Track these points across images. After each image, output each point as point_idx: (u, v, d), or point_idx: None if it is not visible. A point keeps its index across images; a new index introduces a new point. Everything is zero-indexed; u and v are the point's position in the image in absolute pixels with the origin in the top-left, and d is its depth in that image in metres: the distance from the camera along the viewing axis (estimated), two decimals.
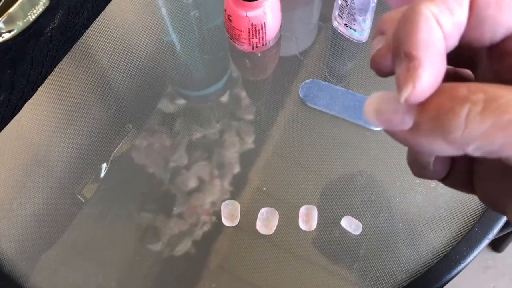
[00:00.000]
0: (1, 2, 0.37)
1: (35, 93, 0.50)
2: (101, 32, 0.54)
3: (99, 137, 0.50)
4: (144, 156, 0.49)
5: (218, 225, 0.45)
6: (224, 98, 0.51)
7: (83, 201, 0.47)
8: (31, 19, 0.39)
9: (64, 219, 0.47)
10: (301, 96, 0.50)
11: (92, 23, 0.53)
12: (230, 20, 0.48)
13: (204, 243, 0.45)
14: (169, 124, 0.50)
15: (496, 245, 1.05)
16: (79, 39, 0.52)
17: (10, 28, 0.38)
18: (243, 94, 0.51)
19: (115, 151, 0.49)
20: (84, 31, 0.52)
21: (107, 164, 0.49)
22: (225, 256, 0.44)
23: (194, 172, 0.48)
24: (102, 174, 0.48)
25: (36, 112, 0.51)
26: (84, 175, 0.48)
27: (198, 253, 0.45)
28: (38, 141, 0.50)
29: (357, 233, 0.44)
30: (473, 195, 0.45)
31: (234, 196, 0.46)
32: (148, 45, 0.54)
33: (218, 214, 0.46)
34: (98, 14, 0.53)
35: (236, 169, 0.48)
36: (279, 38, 0.53)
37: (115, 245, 0.46)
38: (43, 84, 0.51)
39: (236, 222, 0.45)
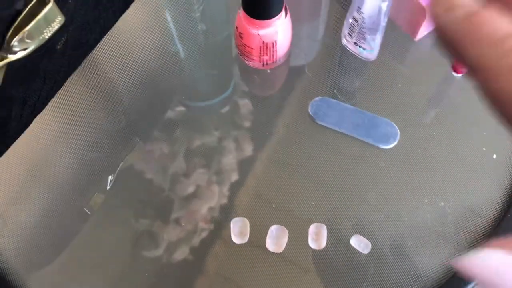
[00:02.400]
0: (17, 21, 0.37)
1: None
2: (110, 45, 0.54)
3: (105, 149, 0.50)
4: (146, 164, 0.49)
5: (216, 234, 0.45)
6: (229, 112, 0.52)
7: (89, 213, 0.47)
8: (46, 37, 0.39)
9: (69, 231, 0.47)
10: (310, 113, 0.50)
11: (103, 37, 0.53)
12: (241, 38, 0.49)
13: (203, 251, 0.45)
14: (169, 132, 0.50)
15: None
16: (90, 53, 0.52)
17: (25, 47, 0.38)
18: (250, 109, 0.52)
19: (122, 163, 0.49)
20: (95, 46, 0.52)
21: (113, 176, 0.49)
22: (234, 271, 0.44)
23: (193, 180, 0.48)
24: (108, 187, 0.48)
25: (44, 126, 0.51)
26: (89, 188, 0.48)
27: (197, 260, 0.45)
28: (45, 154, 0.50)
29: (366, 252, 0.45)
30: (476, 216, 0.45)
31: (241, 210, 0.47)
32: (156, 58, 0.55)
33: (216, 221, 0.46)
34: (109, 29, 0.53)
35: (238, 179, 0.48)
36: (289, 55, 0.53)
37: (118, 255, 0.46)
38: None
39: (246, 239, 0.45)
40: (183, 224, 0.46)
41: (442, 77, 0.53)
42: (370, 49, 0.51)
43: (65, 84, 0.51)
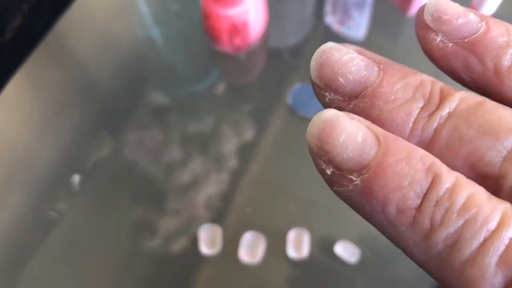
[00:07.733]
0: None
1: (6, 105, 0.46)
2: (78, 31, 0.49)
3: (83, 139, 0.45)
4: (136, 152, 0.44)
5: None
6: (203, 107, 0.46)
7: (66, 208, 0.42)
8: None
9: (48, 225, 0.42)
10: (289, 103, 0.44)
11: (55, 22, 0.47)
12: (208, 19, 0.43)
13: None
14: (154, 120, 0.45)
15: None
16: (41, 42, 0.47)
17: None
18: (225, 102, 0.46)
19: (101, 153, 0.44)
20: (45, 33, 0.47)
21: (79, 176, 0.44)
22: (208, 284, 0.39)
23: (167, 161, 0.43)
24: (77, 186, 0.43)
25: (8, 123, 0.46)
26: (64, 181, 0.43)
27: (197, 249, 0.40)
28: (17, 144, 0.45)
29: (353, 260, 0.39)
30: None
31: (210, 215, 0.41)
32: (128, 41, 0.49)
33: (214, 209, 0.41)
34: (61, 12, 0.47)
35: (218, 188, 0.43)
36: (266, 37, 0.47)
37: (116, 247, 0.41)
38: (15, 93, 0.46)
39: (217, 249, 0.40)
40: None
41: None
42: (356, 27, 0.45)
43: (29, 75, 0.46)
